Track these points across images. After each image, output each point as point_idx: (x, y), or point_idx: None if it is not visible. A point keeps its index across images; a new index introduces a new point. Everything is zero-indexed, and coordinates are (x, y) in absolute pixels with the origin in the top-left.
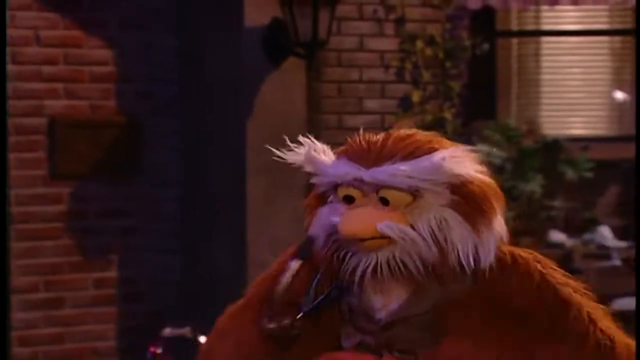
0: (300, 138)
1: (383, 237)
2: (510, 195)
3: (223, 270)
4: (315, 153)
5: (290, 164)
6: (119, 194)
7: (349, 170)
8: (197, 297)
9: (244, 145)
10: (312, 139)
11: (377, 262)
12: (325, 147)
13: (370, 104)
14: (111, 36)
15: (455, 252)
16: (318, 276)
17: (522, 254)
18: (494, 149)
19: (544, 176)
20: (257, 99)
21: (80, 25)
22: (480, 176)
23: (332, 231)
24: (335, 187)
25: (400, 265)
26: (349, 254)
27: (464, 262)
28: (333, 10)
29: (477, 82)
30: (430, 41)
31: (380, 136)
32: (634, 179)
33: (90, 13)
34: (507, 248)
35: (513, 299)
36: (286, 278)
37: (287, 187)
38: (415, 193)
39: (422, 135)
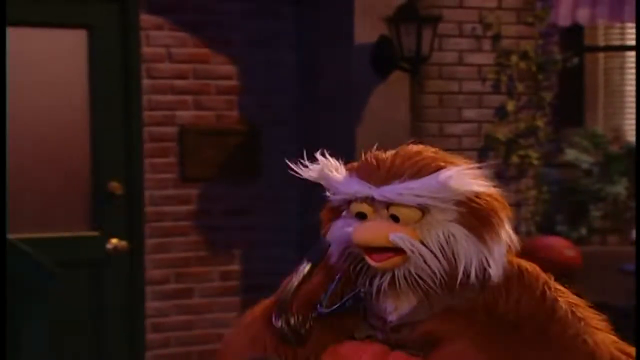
0: (317, 155)
1: (394, 250)
2: (598, 196)
3: None
4: (328, 170)
5: None
6: (242, 194)
7: (360, 189)
8: None
9: (353, 149)
10: (327, 156)
11: (394, 276)
12: (338, 164)
13: (469, 113)
14: (235, 53)
15: (463, 265)
16: (334, 284)
17: (528, 266)
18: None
19: (628, 179)
20: (366, 108)
21: (208, 44)
22: (485, 190)
23: (348, 244)
24: (348, 202)
25: (417, 278)
26: (366, 266)
27: (472, 274)
28: (435, 28)
29: (567, 93)
30: (524, 56)
31: (389, 154)
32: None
33: (217, 32)
34: (514, 259)
35: (514, 308)
36: (294, 280)
37: None
38: (424, 210)
39: (429, 153)
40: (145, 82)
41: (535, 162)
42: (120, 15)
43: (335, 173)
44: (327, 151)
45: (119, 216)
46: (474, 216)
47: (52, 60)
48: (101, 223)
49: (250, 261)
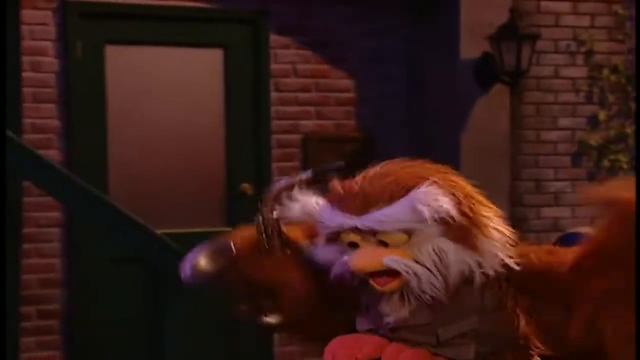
0: (295, 194)
1: (392, 272)
2: None
3: None
4: (310, 207)
5: (496, 171)
6: None
7: (343, 221)
8: None
9: (458, 155)
10: (306, 194)
11: (402, 295)
12: (317, 198)
13: (563, 121)
14: (352, 69)
15: (457, 274)
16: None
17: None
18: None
19: None
20: (469, 117)
21: (328, 60)
22: (459, 199)
23: (346, 273)
24: (338, 233)
25: (421, 293)
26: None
27: (469, 278)
28: (533, 45)
29: None
30: (615, 69)
31: (359, 180)
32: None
33: (336, 50)
34: (516, 250)
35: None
36: (287, 182)
37: (493, 191)
38: (409, 232)
39: (397, 172)
40: (273, 95)
41: (625, 166)
42: (253, 35)
43: (316, 207)
44: (434, 157)
45: (250, 214)
46: (456, 226)
47: (193, 76)
48: (234, 220)
49: None
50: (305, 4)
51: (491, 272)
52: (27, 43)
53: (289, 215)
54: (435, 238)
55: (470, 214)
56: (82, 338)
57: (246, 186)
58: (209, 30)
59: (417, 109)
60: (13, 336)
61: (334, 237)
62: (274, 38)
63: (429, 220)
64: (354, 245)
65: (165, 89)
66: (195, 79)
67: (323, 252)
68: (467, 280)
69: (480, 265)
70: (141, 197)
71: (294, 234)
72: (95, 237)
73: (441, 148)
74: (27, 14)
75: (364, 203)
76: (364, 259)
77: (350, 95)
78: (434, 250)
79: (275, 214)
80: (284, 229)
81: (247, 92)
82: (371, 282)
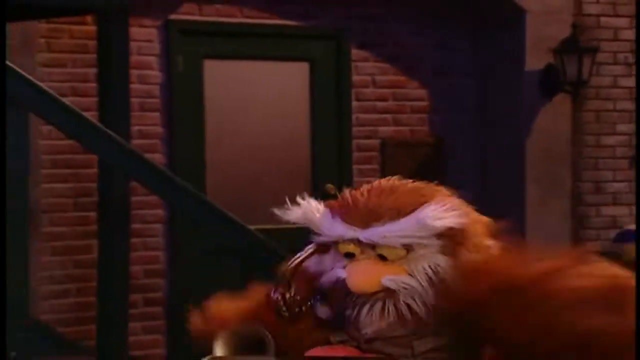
0: (298, 199)
1: (379, 292)
2: None
3: None
4: (311, 214)
5: (558, 174)
6: None
7: (345, 232)
8: None
9: (524, 159)
10: (308, 199)
11: (384, 305)
12: (319, 205)
13: (621, 127)
14: (425, 79)
15: (450, 287)
16: (318, 297)
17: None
18: None
19: None
20: (534, 124)
21: (404, 72)
22: (462, 220)
23: (339, 285)
24: (336, 242)
25: (405, 307)
26: (358, 302)
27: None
28: (594, 58)
29: None
30: None
31: (365, 192)
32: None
33: (411, 63)
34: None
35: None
36: (298, 258)
37: (557, 192)
38: (408, 247)
39: (404, 189)
40: (354, 104)
41: None
42: (336, 50)
43: (317, 215)
44: (500, 160)
45: None
46: (455, 245)
47: (282, 87)
48: None
49: None
50: (382, 21)
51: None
52: (134, 58)
53: (291, 219)
54: (433, 255)
55: (471, 232)
56: (183, 323)
57: (330, 187)
58: (297, 46)
59: (484, 116)
60: (123, 321)
61: (327, 246)
62: (354, 52)
63: (435, 236)
64: (350, 256)
65: (257, 99)
66: (284, 90)
67: (316, 262)
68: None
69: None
70: (235, 196)
71: (302, 294)
72: (195, 232)
73: (507, 152)
74: (134, 31)
75: (368, 216)
76: (362, 278)
77: (424, 103)
78: (430, 266)
79: (292, 290)
80: (297, 298)
81: (330, 101)
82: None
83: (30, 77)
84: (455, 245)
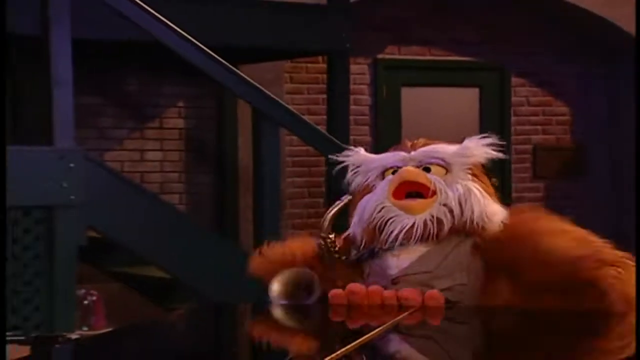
0: (348, 147)
1: (427, 191)
2: None
3: None
4: (364, 154)
5: None
6: (571, 188)
7: (396, 155)
8: None
9: None
10: (354, 147)
11: (414, 223)
12: (362, 150)
13: None
14: (568, 99)
15: (472, 213)
16: (363, 240)
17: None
18: None
19: None
20: None
21: (551, 94)
22: (495, 156)
23: (382, 201)
24: (383, 173)
25: (435, 222)
26: (392, 220)
27: (478, 221)
28: None
29: None
30: None
31: (408, 139)
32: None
33: (556, 87)
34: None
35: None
36: (334, 208)
37: None
38: (447, 168)
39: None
40: (513, 118)
41: None
42: (499, 78)
43: (367, 155)
44: (628, 159)
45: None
46: (482, 179)
47: (459, 106)
48: None
49: None
50: (534, 55)
51: (493, 224)
52: (352, 86)
53: (348, 162)
54: (465, 180)
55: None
56: None
57: (493, 181)
58: (470, 76)
59: (616, 128)
60: None
61: (374, 181)
62: (514, 80)
63: (468, 168)
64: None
65: (441, 115)
66: (461, 108)
67: (366, 200)
68: (461, 240)
69: (488, 215)
70: None
71: (343, 245)
72: None
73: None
74: (352, 67)
75: (414, 148)
76: (414, 171)
77: (567, 117)
78: (462, 186)
79: (331, 237)
80: (337, 244)
81: (495, 116)
82: (405, 201)
83: (280, 101)
84: (481, 181)
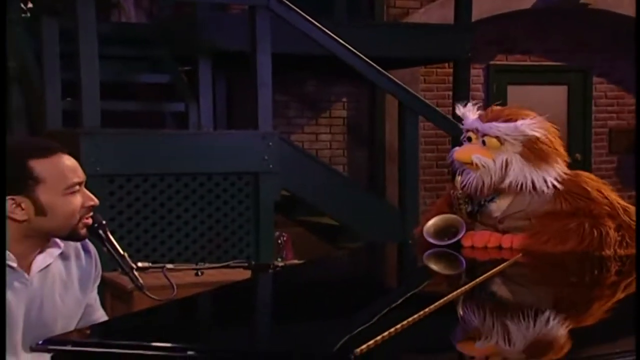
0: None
1: (470, 163)
2: None
3: None
4: (468, 113)
5: None
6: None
7: (472, 124)
8: None
9: None
10: (469, 105)
11: (473, 177)
12: (474, 109)
13: None
14: (635, 91)
15: (511, 179)
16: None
17: (572, 177)
18: None
19: None
20: None
21: (624, 89)
22: (544, 136)
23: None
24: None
25: (481, 181)
26: (462, 170)
27: (522, 186)
28: None
29: None
30: None
31: (499, 108)
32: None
33: (628, 84)
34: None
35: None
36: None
37: None
38: (502, 141)
39: (516, 108)
40: (594, 108)
41: None
42: (583, 78)
43: (470, 114)
44: None
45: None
46: (532, 152)
47: (551, 100)
48: None
49: None
50: (611, 59)
51: (553, 185)
52: (472, 85)
53: (466, 117)
54: (513, 153)
55: (550, 146)
56: None
57: (577, 156)
58: (559, 76)
59: None
60: None
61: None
62: (595, 79)
63: (519, 138)
64: (469, 139)
65: (536, 108)
66: (553, 102)
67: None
68: (539, 190)
69: (544, 180)
70: None
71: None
72: None
73: None
74: (471, 71)
75: (490, 118)
76: (461, 152)
77: (635, 107)
78: (506, 157)
79: (464, 196)
80: (459, 196)
81: (579, 108)
82: (466, 167)
83: (418, 95)
84: (532, 155)
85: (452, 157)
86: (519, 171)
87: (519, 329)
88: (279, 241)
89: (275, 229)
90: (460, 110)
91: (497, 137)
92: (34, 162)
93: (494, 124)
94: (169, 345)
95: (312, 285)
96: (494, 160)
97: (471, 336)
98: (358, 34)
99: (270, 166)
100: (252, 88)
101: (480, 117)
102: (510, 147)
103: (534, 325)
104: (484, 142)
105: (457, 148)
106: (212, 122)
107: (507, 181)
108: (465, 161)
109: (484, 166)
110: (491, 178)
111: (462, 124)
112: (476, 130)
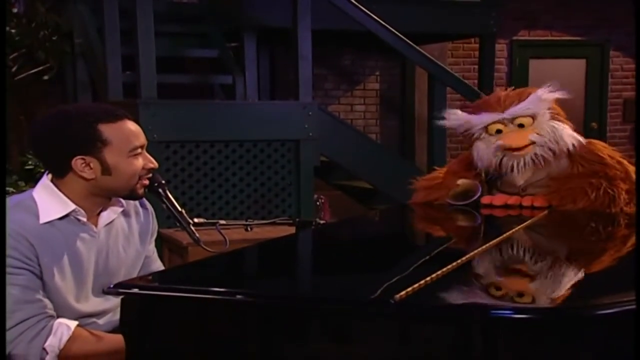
0: (449, 111)
1: (528, 144)
2: None
3: None
4: (466, 116)
5: None
6: None
7: (493, 116)
8: None
9: None
10: (456, 110)
11: (524, 160)
12: (458, 111)
13: None
14: None
15: (563, 142)
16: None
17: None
18: None
19: None
20: None
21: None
22: (563, 96)
23: (498, 149)
24: (485, 128)
25: (540, 157)
26: (506, 158)
27: (569, 146)
28: None
29: None
30: None
31: (495, 96)
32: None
33: None
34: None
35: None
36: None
37: None
38: (533, 116)
39: (518, 89)
40: (610, 80)
41: None
42: (601, 52)
43: (467, 116)
44: None
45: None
46: (559, 114)
47: (571, 73)
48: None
49: None
50: (626, 34)
51: (573, 148)
52: (496, 59)
53: (448, 125)
54: (549, 120)
55: (562, 114)
56: None
57: (594, 124)
58: (579, 50)
59: None
60: None
61: (479, 134)
62: (612, 52)
63: (545, 107)
64: (498, 132)
65: (556, 80)
66: (572, 74)
67: (479, 147)
68: (554, 158)
69: (575, 134)
70: None
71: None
72: None
73: None
74: (498, 47)
75: (503, 105)
76: (514, 138)
77: None
78: (549, 126)
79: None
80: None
81: (596, 79)
82: (512, 152)
83: (447, 67)
84: (557, 115)
85: (498, 147)
86: (566, 133)
87: (544, 275)
88: (317, 203)
89: (314, 192)
90: (459, 119)
91: (529, 116)
92: (102, 126)
93: (521, 104)
94: (222, 290)
95: (350, 241)
96: (540, 134)
97: (500, 281)
98: (391, 10)
99: (310, 134)
100: (293, 62)
101: (486, 111)
102: (542, 117)
103: (559, 270)
104: (520, 125)
105: (494, 144)
106: (256, 93)
107: (561, 143)
108: (522, 145)
109: (544, 139)
110: (549, 148)
111: (476, 124)
112: (504, 120)
